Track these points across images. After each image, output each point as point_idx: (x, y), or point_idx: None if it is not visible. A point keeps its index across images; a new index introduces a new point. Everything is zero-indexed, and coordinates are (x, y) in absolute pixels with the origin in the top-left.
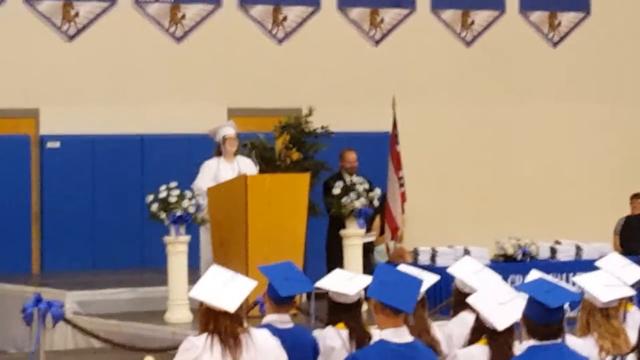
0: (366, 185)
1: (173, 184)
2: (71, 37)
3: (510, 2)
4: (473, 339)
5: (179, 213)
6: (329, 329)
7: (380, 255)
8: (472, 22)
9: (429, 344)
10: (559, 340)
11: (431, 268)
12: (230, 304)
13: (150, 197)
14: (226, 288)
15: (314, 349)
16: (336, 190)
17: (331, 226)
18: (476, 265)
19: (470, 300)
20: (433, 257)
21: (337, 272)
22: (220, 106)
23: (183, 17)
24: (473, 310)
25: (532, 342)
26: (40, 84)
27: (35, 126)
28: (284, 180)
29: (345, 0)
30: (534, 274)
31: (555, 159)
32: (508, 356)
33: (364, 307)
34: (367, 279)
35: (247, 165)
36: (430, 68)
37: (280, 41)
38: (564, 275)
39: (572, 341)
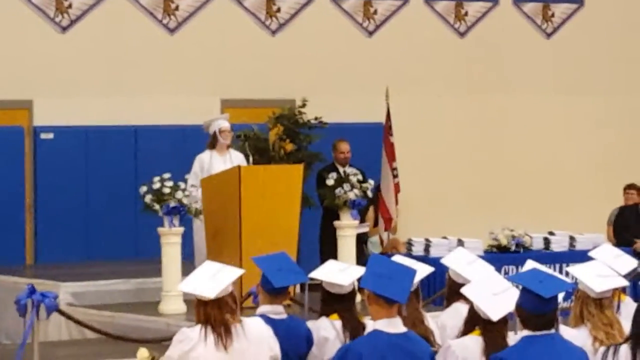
0: (360, 177)
1: (167, 175)
2: (64, 29)
3: None
4: (467, 329)
5: (172, 204)
6: (323, 320)
7: (374, 246)
8: (466, 13)
9: (423, 334)
10: (552, 331)
11: (425, 259)
12: (209, 291)
13: (144, 188)
14: (211, 279)
15: (308, 340)
16: (330, 182)
17: (325, 217)
18: (470, 256)
19: (464, 290)
20: (427, 248)
21: (330, 263)
22: (213, 97)
23: (176, 8)
24: (467, 300)
25: (526, 333)
26: (34, 75)
27: (29, 117)
28: (278, 171)
29: None
30: (530, 264)
31: (549, 150)
32: (502, 347)
33: (358, 298)
34: (361, 270)
35: (238, 159)
36: (424, 59)
37: (274, 32)
38: (558, 266)
39: (566, 331)
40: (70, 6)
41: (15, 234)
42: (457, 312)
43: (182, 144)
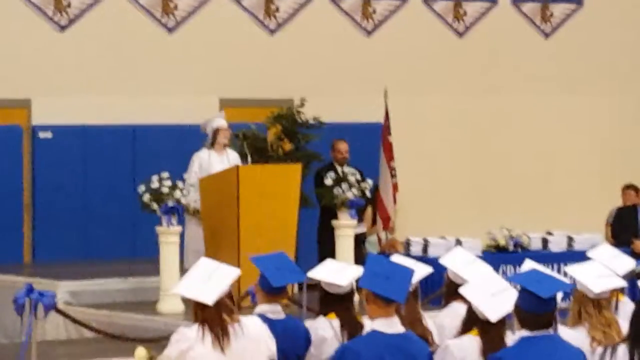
0: (358, 176)
1: (165, 175)
2: (63, 27)
3: None
4: (464, 329)
5: (170, 203)
6: (321, 319)
7: (372, 246)
8: (465, 13)
9: (421, 334)
10: (550, 331)
11: (423, 259)
12: (208, 296)
13: (142, 188)
14: (208, 280)
15: (306, 339)
16: (328, 181)
17: (323, 217)
18: (468, 256)
19: (462, 291)
20: (425, 248)
21: (328, 262)
22: (212, 97)
23: (175, 7)
24: (465, 300)
25: (524, 333)
26: (32, 74)
27: (27, 116)
28: (276, 171)
29: None
30: (528, 264)
31: (547, 149)
32: (500, 347)
33: (356, 297)
34: (359, 270)
35: (235, 159)
36: (423, 59)
37: (273, 32)
38: (556, 266)
39: (564, 332)
40: (69, 5)
41: (13, 233)
42: (455, 312)
43: (181, 143)
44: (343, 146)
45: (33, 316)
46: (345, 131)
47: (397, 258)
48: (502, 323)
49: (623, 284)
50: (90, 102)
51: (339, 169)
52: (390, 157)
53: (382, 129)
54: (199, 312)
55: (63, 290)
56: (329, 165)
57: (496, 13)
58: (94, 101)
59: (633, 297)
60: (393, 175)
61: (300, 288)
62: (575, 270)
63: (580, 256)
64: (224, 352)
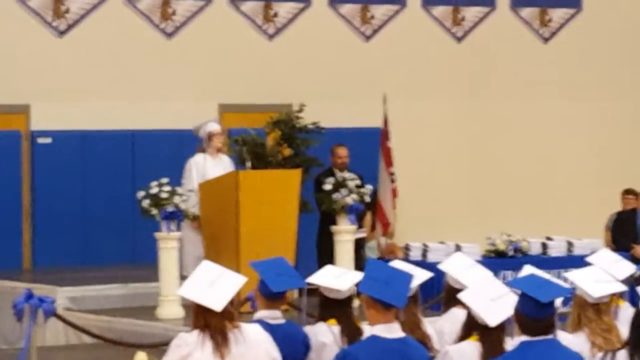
0: (357, 181)
1: (164, 180)
2: (62, 33)
3: None
4: (464, 334)
5: (170, 209)
6: (320, 325)
7: (371, 251)
8: (463, 18)
9: (421, 340)
10: (550, 336)
11: (422, 264)
12: (217, 303)
13: (142, 193)
14: (214, 285)
15: (306, 345)
16: (327, 187)
17: (322, 222)
18: (467, 261)
19: (461, 296)
20: (424, 253)
21: (328, 268)
22: (211, 102)
23: (174, 13)
24: (464, 306)
25: (523, 338)
26: (31, 79)
27: (26, 122)
28: (276, 176)
29: None
30: (527, 269)
31: (546, 154)
32: (500, 352)
33: (355, 302)
34: (359, 275)
35: (229, 162)
36: (421, 64)
37: (271, 37)
38: (556, 271)
39: (564, 337)
40: (67, 10)
41: (12, 239)
42: (455, 317)
43: (180, 148)
44: (342, 151)
45: (33, 322)
46: (344, 136)
47: (396, 263)
48: (502, 328)
49: (623, 289)
50: (89, 107)
51: (338, 174)
52: (389, 162)
53: (381, 134)
54: (201, 317)
55: (63, 295)
56: (328, 170)
57: (495, 18)
58: (93, 107)
59: (633, 302)
60: (392, 181)
61: (300, 293)
62: (575, 275)
63: (580, 261)
64: (223, 359)
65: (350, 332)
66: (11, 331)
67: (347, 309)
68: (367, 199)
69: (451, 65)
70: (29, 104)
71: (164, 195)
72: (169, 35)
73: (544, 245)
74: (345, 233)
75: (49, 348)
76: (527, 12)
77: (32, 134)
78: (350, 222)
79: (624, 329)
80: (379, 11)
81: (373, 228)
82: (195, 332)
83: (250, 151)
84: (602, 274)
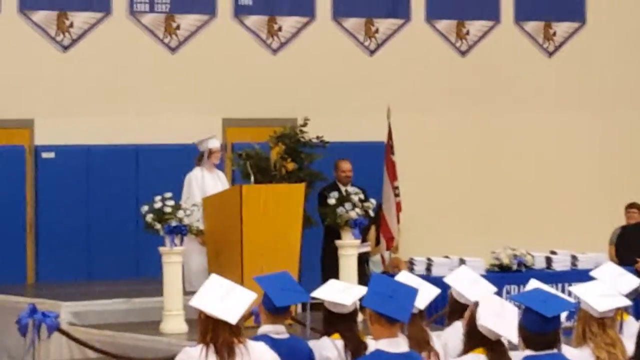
0: (361, 196)
1: (168, 195)
2: (66, 48)
3: (505, 12)
4: (466, 349)
5: (173, 223)
6: (325, 340)
7: (375, 266)
8: (467, 32)
9: (427, 356)
10: (555, 350)
11: (426, 278)
12: (232, 315)
13: (145, 208)
14: (227, 299)
15: (310, 359)
16: (331, 201)
17: (326, 236)
18: (472, 275)
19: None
20: (428, 267)
21: (332, 282)
22: (215, 116)
23: (178, 27)
24: None
25: (528, 352)
26: (35, 94)
27: (30, 136)
28: (279, 190)
29: (340, 10)
30: (533, 284)
31: (550, 168)
32: None
33: (360, 317)
34: (363, 289)
35: (224, 177)
36: (426, 78)
37: (275, 51)
38: (560, 285)
39: (568, 351)
40: (71, 25)
41: (16, 253)
42: (459, 331)
43: (184, 163)
44: (346, 166)
45: (36, 337)
46: (348, 150)
47: (403, 275)
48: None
49: (627, 303)
50: (93, 122)
51: (342, 188)
52: (393, 177)
53: (385, 148)
54: (210, 331)
55: (66, 310)
56: (332, 184)
57: (499, 32)
58: (96, 121)
59: (638, 317)
60: (396, 195)
61: (304, 308)
62: (579, 290)
63: (585, 275)
64: None
65: (355, 346)
66: (15, 346)
67: (351, 323)
68: (371, 213)
69: (455, 79)
70: (33, 119)
71: (167, 209)
72: (173, 49)
73: (548, 259)
74: (349, 247)
75: None
76: (532, 26)
77: (36, 149)
78: (354, 236)
79: (628, 343)
80: (383, 25)
81: (377, 242)
82: (200, 347)
83: (254, 165)
84: (607, 288)
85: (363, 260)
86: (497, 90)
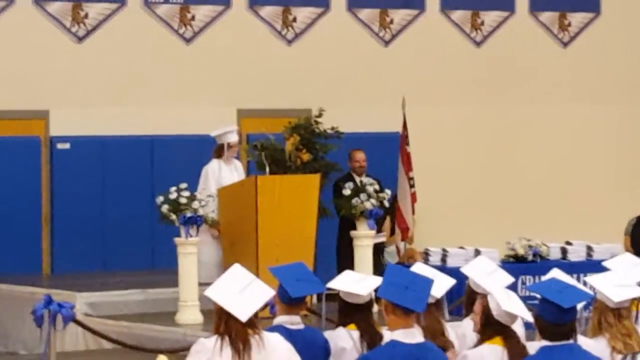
0: (376, 186)
1: (183, 186)
2: (81, 39)
3: (520, 2)
4: (482, 338)
5: (189, 214)
6: (340, 330)
7: (390, 256)
8: (482, 23)
9: (442, 346)
10: (571, 341)
11: (442, 268)
12: (243, 312)
13: (161, 199)
14: (243, 293)
15: (325, 350)
16: (346, 192)
17: (341, 227)
18: (489, 266)
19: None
20: (444, 258)
21: (347, 273)
22: (230, 107)
23: (192, 18)
24: None
25: (544, 343)
26: (50, 85)
27: (45, 127)
28: (294, 181)
29: (354, 1)
30: (555, 272)
31: (565, 159)
32: (523, 355)
33: (375, 308)
34: (378, 280)
35: (241, 168)
36: (440, 68)
37: (290, 42)
38: (575, 276)
39: (584, 342)
40: (86, 16)
41: (31, 244)
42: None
43: (199, 154)
44: (360, 155)
45: (52, 327)
46: (363, 141)
47: (419, 266)
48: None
49: None
50: (108, 113)
51: (357, 178)
52: (408, 167)
53: (400, 138)
54: (224, 323)
55: (82, 301)
56: (347, 175)
57: (514, 22)
58: (112, 112)
59: None
60: (411, 186)
61: (319, 298)
62: (595, 280)
63: (600, 266)
64: None
65: (370, 337)
66: (30, 337)
67: (366, 314)
68: (386, 203)
69: (470, 70)
70: (48, 110)
71: (182, 200)
72: (188, 40)
73: (564, 250)
74: (364, 238)
75: (68, 354)
76: (546, 16)
77: (51, 140)
78: (370, 227)
79: None
80: (398, 16)
81: (392, 233)
82: (214, 338)
83: (269, 156)
84: (623, 279)
85: (378, 250)
86: (512, 81)
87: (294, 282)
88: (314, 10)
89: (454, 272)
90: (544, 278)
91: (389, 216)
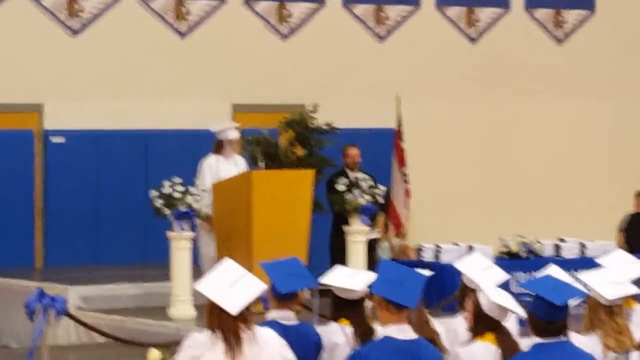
0: (370, 182)
1: (177, 180)
2: (76, 32)
3: None
4: (474, 334)
5: (182, 209)
6: (333, 325)
7: (383, 252)
8: (477, 19)
9: (429, 336)
10: (563, 338)
11: (435, 265)
12: (233, 306)
13: (154, 193)
14: (234, 287)
15: (318, 345)
16: (340, 187)
17: (335, 223)
18: (484, 262)
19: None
20: (437, 254)
21: (340, 268)
22: (224, 102)
23: (188, 12)
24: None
25: (537, 340)
26: (45, 79)
27: (39, 121)
28: (288, 176)
29: None
30: (552, 269)
31: (560, 156)
32: (515, 351)
33: (367, 303)
34: (372, 275)
35: (243, 163)
36: (435, 65)
37: (285, 37)
38: (568, 273)
39: (576, 338)
40: (81, 10)
41: (25, 238)
42: None
43: (193, 148)
44: (354, 151)
45: (44, 321)
46: (358, 137)
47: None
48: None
49: (636, 291)
50: (102, 107)
51: (350, 174)
52: (402, 163)
53: (395, 134)
54: (215, 318)
55: (74, 295)
56: (341, 170)
57: (509, 19)
58: (106, 106)
59: None
60: (405, 181)
61: (312, 294)
62: (588, 277)
63: (593, 263)
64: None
65: (363, 332)
66: (23, 330)
67: (359, 309)
68: (380, 199)
69: (465, 66)
70: (43, 103)
71: (176, 194)
72: (183, 35)
73: (557, 247)
74: (358, 234)
75: (61, 347)
76: (541, 13)
77: (45, 133)
78: (363, 222)
79: (637, 331)
80: (393, 12)
81: (386, 229)
82: (207, 333)
83: (263, 151)
84: (616, 276)
85: (371, 246)
86: (506, 78)
87: (284, 277)
88: (309, 6)
89: (447, 268)
90: (539, 274)
91: (383, 212)
